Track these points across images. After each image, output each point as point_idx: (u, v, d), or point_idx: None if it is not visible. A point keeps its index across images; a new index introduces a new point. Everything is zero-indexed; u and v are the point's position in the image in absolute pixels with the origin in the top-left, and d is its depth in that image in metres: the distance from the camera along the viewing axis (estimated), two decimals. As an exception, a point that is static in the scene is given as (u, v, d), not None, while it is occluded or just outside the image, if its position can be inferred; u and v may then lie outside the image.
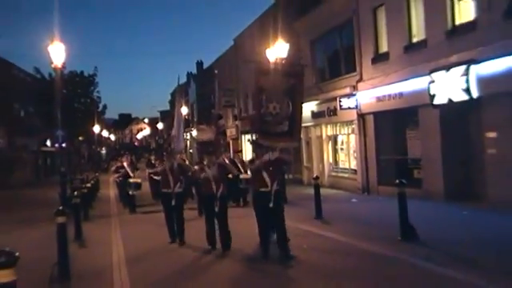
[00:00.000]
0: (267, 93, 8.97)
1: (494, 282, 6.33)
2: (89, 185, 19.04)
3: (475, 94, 13.07)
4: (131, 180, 16.15)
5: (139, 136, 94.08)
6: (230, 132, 37.74)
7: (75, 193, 13.61)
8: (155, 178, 16.51)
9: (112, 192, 23.06)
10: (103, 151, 73.70)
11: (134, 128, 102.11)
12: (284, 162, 8.91)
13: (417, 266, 7.27)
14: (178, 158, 10.59)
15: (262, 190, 8.30)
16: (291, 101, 9.02)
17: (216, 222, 9.34)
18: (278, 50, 18.38)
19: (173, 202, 10.21)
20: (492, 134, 13.01)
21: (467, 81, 13.10)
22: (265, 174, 8.33)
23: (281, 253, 8.16)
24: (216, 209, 9.15)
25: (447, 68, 13.76)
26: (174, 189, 10.30)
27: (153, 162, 18.42)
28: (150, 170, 15.85)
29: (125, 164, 17.81)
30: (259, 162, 8.69)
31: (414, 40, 16.03)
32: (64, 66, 19.65)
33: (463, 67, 13.24)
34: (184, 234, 10.20)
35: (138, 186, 16.03)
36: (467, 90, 13.16)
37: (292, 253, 8.28)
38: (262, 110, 8.85)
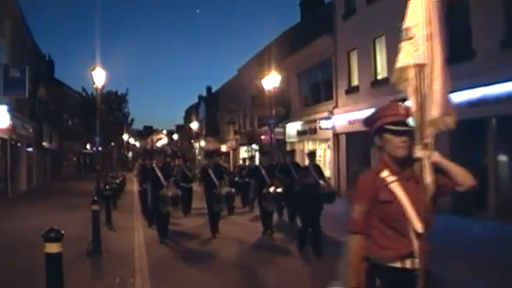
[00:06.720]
0: None
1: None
2: (117, 181, 19.05)
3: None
4: (166, 191, 8.98)
5: (158, 144, 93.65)
6: (231, 144, 37.83)
7: (107, 187, 13.63)
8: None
9: (135, 187, 22.80)
10: (130, 155, 73.36)
11: (155, 137, 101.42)
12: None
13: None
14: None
15: None
16: None
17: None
18: (271, 80, 18.58)
19: None
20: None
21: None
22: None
23: None
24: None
25: (402, 101, 13.84)
26: None
27: (148, 166, 10.52)
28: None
29: (154, 166, 9.66)
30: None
31: (379, 77, 16.19)
32: (103, 87, 19.62)
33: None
34: None
35: (176, 199, 9.04)
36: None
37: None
38: None
